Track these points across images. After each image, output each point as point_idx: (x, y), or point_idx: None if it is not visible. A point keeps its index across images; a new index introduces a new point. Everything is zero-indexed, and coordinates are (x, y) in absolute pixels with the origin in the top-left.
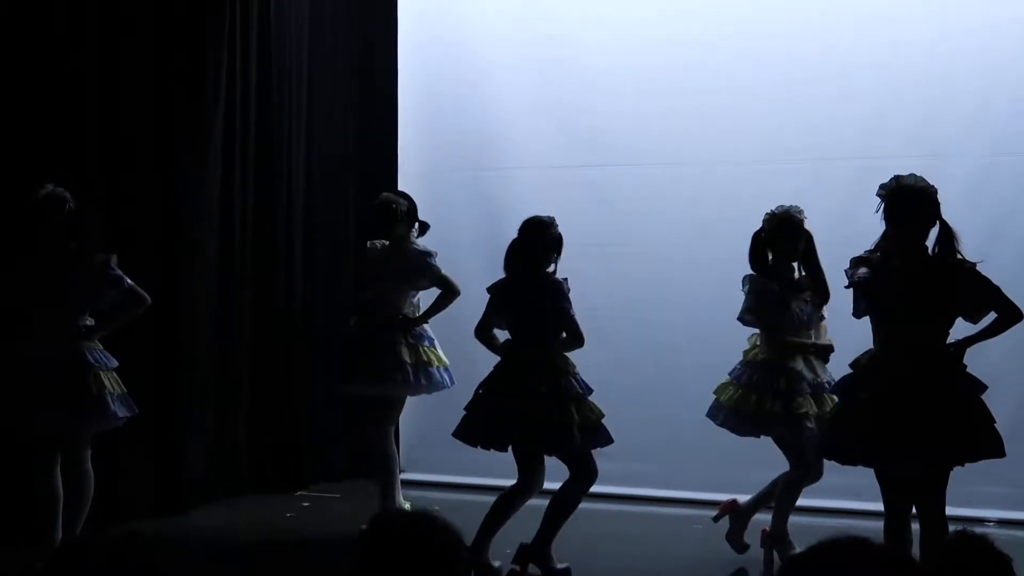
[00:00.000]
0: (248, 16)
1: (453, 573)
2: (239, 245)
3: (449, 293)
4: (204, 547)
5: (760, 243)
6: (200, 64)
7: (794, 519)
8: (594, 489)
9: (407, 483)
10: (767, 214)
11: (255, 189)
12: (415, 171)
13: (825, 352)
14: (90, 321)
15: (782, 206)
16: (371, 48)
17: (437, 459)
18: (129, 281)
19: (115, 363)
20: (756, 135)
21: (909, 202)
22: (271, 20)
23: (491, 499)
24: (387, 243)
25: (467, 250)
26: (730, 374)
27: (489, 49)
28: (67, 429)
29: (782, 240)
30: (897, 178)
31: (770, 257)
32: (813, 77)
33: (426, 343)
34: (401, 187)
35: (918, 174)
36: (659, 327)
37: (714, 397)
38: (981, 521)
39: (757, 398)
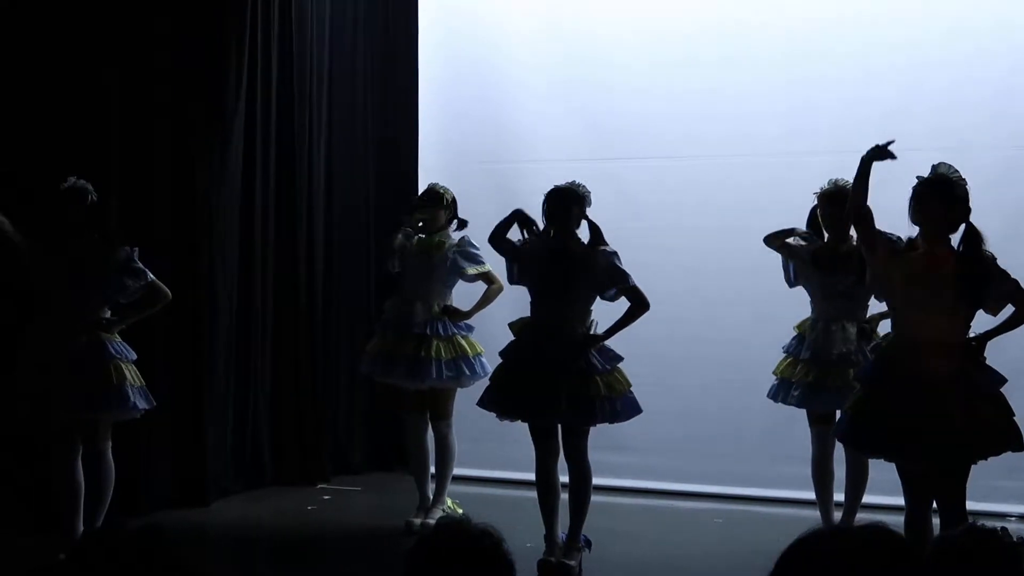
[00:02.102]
0: (270, 17)
1: None
2: (260, 240)
3: (495, 288)
4: (225, 540)
5: (813, 215)
6: (223, 60)
7: (810, 513)
8: (613, 483)
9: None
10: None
11: (276, 183)
12: (435, 164)
13: (866, 329)
14: (108, 313)
15: (832, 179)
16: (391, 43)
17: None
18: (151, 275)
19: (134, 355)
20: (776, 126)
21: (943, 193)
22: (293, 14)
23: (510, 493)
24: (420, 233)
25: (484, 245)
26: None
27: (508, 42)
28: (88, 419)
29: (825, 213)
30: (936, 168)
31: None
32: (833, 69)
33: (463, 332)
34: (421, 181)
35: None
36: (678, 319)
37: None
38: (1002, 516)
39: (812, 370)
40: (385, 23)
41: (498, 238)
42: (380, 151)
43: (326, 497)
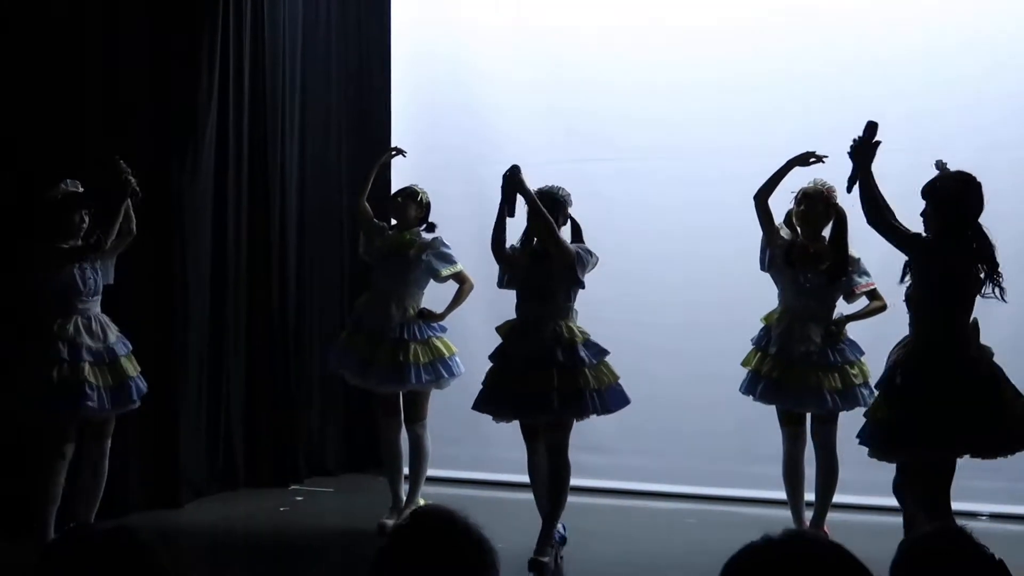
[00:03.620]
0: (242, 17)
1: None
2: (233, 241)
3: (467, 287)
4: (198, 541)
5: (789, 215)
6: (194, 66)
7: (781, 513)
8: (587, 483)
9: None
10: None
11: (249, 184)
12: (409, 166)
13: (834, 332)
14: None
15: (813, 180)
16: (364, 43)
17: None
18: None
19: (130, 346)
20: (752, 128)
21: (963, 195)
22: (265, 20)
23: (484, 494)
24: (391, 230)
25: (459, 247)
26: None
27: (482, 44)
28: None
29: (802, 210)
30: (938, 165)
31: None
32: (807, 71)
33: (437, 333)
34: (394, 182)
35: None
36: (655, 321)
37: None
38: (974, 515)
39: (777, 366)
40: (358, 24)
41: (498, 244)
42: (352, 151)
43: (299, 498)
